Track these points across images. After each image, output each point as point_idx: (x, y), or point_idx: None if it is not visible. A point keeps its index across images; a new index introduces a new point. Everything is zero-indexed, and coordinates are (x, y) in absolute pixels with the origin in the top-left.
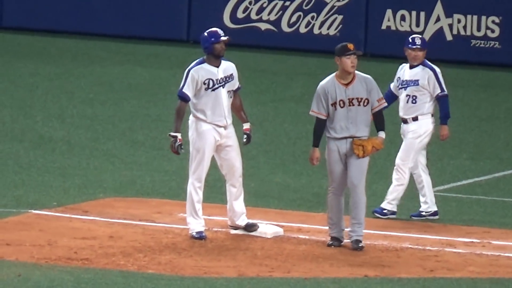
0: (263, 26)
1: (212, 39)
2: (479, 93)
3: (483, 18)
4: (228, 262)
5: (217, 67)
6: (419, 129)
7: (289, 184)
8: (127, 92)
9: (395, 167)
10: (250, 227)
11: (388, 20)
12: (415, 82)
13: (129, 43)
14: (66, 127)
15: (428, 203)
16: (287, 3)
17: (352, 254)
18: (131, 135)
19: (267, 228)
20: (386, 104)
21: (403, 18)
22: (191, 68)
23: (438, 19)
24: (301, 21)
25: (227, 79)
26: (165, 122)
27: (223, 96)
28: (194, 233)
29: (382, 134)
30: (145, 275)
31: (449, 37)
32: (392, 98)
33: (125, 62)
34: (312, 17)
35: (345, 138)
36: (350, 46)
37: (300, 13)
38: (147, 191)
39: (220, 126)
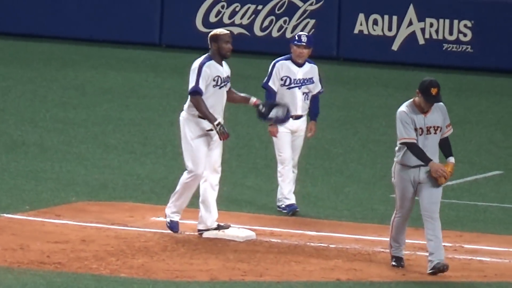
0: (236, 30)
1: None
2: (451, 97)
3: (455, 22)
4: (200, 266)
5: (222, 66)
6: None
7: (261, 187)
8: (100, 95)
9: (294, 167)
10: (221, 228)
11: (361, 24)
12: (310, 80)
13: (102, 47)
14: (39, 131)
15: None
16: (260, 7)
17: (325, 258)
18: (103, 138)
19: (240, 232)
20: (452, 130)
21: (375, 22)
22: (203, 63)
23: (410, 23)
24: (274, 25)
25: (228, 79)
26: (138, 126)
27: (224, 95)
28: (169, 222)
29: (452, 160)
30: (117, 279)
31: (421, 41)
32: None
33: (98, 66)
34: (285, 21)
35: (419, 166)
36: (434, 91)
37: (273, 17)
38: (119, 195)
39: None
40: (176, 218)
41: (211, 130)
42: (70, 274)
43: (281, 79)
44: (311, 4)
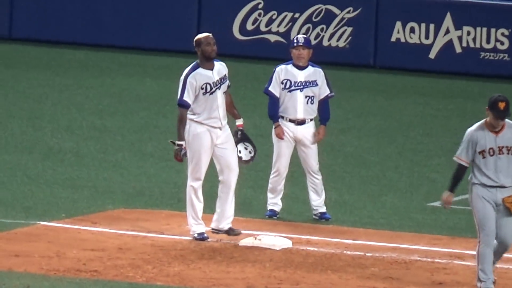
0: (273, 37)
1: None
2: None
3: (493, 30)
4: (236, 274)
5: (212, 70)
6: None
7: (298, 196)
8: (137, 103)
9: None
10: (232, 232)
11: (398, 32)
12: (313, 83)
13: (139, 55)
14: (75, 139)
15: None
16: (297, 15)
17: (361, 267)
18: (140, 146)
19: (276, 240)
20: None
21: (412, 30)
22: (188, 74)
23: (447, 31)
24: (311, 33)
25: (222, 80)
26: (174, 134)
27: (219, 98)
28: (195, 235)
29: None
30: (154, 287)
31: (458, 50)
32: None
33: (135, 74)
34: (322, 29)
35: (495, 187)
36: (501, 105)
37: (310, 25)
38: (156, 203)
39: (216, 127)
40: (201, 229)
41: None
42: (107, 282)
43: (282, 83)
44: (348, 12)
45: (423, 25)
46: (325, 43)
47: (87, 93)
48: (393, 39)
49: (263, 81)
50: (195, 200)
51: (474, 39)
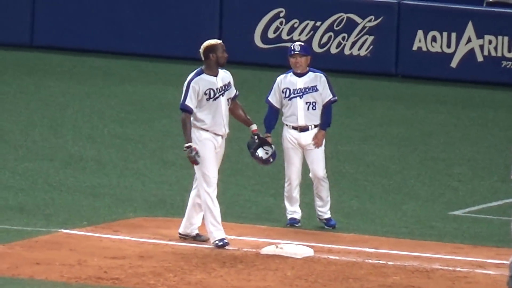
0: None
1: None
2: (510, 114)
3: None
4: (258, 282)
5: (216, 76)
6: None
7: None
8: (158, 111)
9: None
10: (198, 237)
11: (419, 41)
12: (313, 88)
13: (160, 63)
14: (97, 146)
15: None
16: (318, 23)
17: (383, 275)
18: (161, 154)
19: (298, 249)
20: None
21: (434, 39)
22: (191, 80)
23: (469, 40)
24: (332, 41)
25: (226, 87)
26: None
27: (223, 104)
28: (217, 241)
29: None
30: None
31: (480, 58)
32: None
33: (156, 82)
34: (343, 38)
35: None
36: None
37: (331, 33)
38: (177, 211)
39: (219, 135)
40: (221, 235)
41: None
42: None
43: (282, 92)
44: (370, 21)
45: (444, 34)
46: (347, 51)
47: (108, 101)
48: (414, 47)
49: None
50: (212, 205)
51: (495, 48)
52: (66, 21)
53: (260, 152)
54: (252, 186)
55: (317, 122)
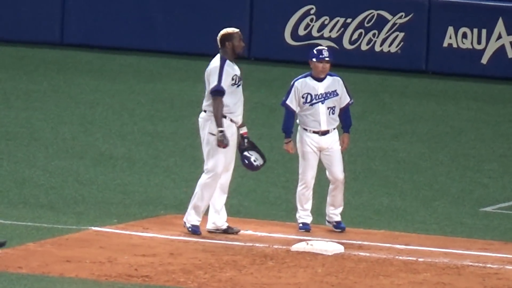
0: (325, 43)
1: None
2: None
3: None
4: (288, 279)
5: (235, 65)
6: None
7: (350, 201)
8: (188, 108)
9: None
10: (231, 230)
11: (450, 38)
12: (334, 93)
13: (190, 60)
14: (127, 144)
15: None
16: (349, 20)
17: (413, 272)
18: (192, 152)
19: (328, 245)
20: None
21: (464, 35)
22: (223, 64)
23: (499, 37)
24: (363, 38)
25: (241, 77)
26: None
27: (242, 94)
28: (190, 226)
29: None
30: None
31: (510, 55)
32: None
33: (186, 79)
34: (374, 34)
35: None
36: None
37: (362, 30)
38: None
39: (233, 122)
40: (196, 222)
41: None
42: (158, 287)
43: (302, 97)
44: (400, 18)
45: (475, 30)
46: (377, 48)
47: (138, 99)
48: (445, 44)
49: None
50: (206, 195)
51: None
52: (96, 19)
53: (247, 154)
54: (282, 183)
55: (336, 125)
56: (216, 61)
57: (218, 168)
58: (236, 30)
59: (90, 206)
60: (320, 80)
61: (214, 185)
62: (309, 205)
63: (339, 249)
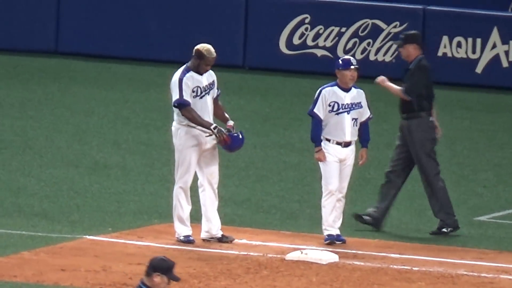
0: (319, 52)
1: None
2: None
3: None
4: (282, 287)
5: (201, 75)
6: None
7: (344, 210)
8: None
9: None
10: (225, 238)
11: (444, 47)
12: (359, 105)
13: None
14: (121, 153)
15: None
16: (343, 29)
17: (408, 281)
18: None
19: (323, 255)
20: None
21: (459, 44)
22: (182, 77)
23: (494, 46)
24: (357, 47)
25: (211, 86)
26: (221, 148)
27: (209, 102)
28: (181, 237)
29: None
30: None
31: (505, 64)
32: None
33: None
34: (368, 44)
35: None
36: None
37: (356, 39)
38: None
39: (206, 132)
40: (187, 232)
41: (210, 135)
42: None
43: (329, 105)
44: (395, 27)
45: (469, 40)
46: (372, 57)
47: (133, 107)
48: (439, 53)
49: (309, 95)
50: (184, 202)
51: None
52: (90, 28)
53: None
54: (276, 192)
55: (356, 137)
56: (177, 74)
57: (187, 177)
58: (213, 55)
59: (85, 215)
60: (347, 90)
61: (187, 192)
62: (334, 215)
63: (334, 258)
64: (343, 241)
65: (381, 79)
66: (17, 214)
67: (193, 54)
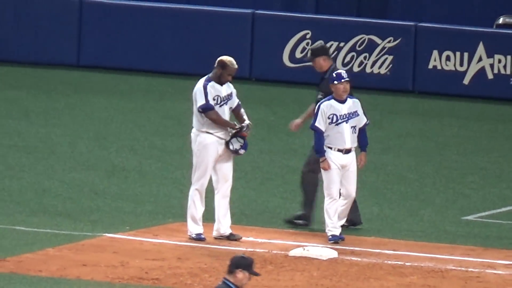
0: None
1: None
2: None
3: None
4: (286, 282)
5: (222, 86)
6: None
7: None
8: None
9: (353, 198)
10: (233, 236)
11: (435, 60)
12: (355, 113)
13: (195, 81)
14: (138, 158)
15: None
16: (342, 44)
17: (401, 275)
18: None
19: (323, 251)
20: None
21: (448, 58)
22: (206, 84)
23: (480, 59)
24: (354, 60)
25: (229, 97)
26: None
27: (226, 112)
28: (193, 235)
29: None
30: None
31: (490, 76)
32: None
33: (192, 98)
34: (365, 57)
35: None
36: None
37: (354, 53)
38: (212, 217)
39: (222, 139)
40: (198, 230)
41: (234, 133)
42: None
43: (328, 118)
44: (389, 42)
45: (457, 54)
46: (368, 70)
47: (148, 116)
48: (430, 66)
49: (309, 104)
50: (198, 203)
51: (504, 66)
52: (109, 43)
53: (235, 144)
54: (281, 194)
55: (356, 144)
56: (200, 82)
57: (203, 181)
58: (235, 66)
59: (104, 215)
60: (342, 102)
61: (202, 194)
62: (336, 218)
63: (333, 254)
64: (342, 239)
65: (294, 124)
66: (42, 214)
67: (216, 64)
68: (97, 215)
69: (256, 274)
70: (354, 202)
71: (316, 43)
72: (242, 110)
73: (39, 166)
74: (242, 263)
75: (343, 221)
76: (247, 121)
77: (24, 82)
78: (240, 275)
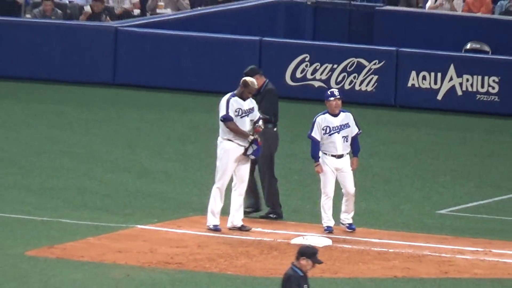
0: (316, 83)
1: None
2: (482, 135)
3: (486, 78)
4: (289, 265)
5: (244, 101)
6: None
7: (336, 206)
8: (211, 133)
9: (352, 194)
10: (244, 228)
11: (413, 79)
12: (347, 125)
13: (212, 96)
14: (164, 161)
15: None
16: (335, 66)
17: (385, 260)
18: (214, 167)
19: (320, 240)
20: None
21: (424, 77)
22: (230, 98)
23: (451, 79)
24: (346, 80)
25: (250, 111)
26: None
27: (247, 123)
28: (211, 226)
29: None
30: (225, 276)
31: (459, 93)
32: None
33: (209, 111)
34: (354, 77)
35: None
36: None
37: (345, 73)
38: (227, 211)
39: (242, 145)
40: (216, 222)
41: (250, 142)
42: (188, 272)
43: (323, 129)
44: (374, 64)
45: (432, 74)
46: (357, 87)
47: (173, 126)
48: (409, 84)
49: (309, 117)
50: (218, 199)
51: (472, 85)
52: (140, 65)
53: (249, 150)
54: (284, 191)
55: (348, 150)
56: (225, 97)
57: (224, 180)
58: (255, 86)
59: (136, 209)
60: (335, 115)
61: (222, 192)
62: (330, 212)
63: (328, 242)
64: (354, 230)
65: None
66: (84, 209)
67: (240, 83)
68: (130, 210)
69: (319, 262)
70: (256, 189)
71: (249, 67)
72: (260, 122)
73: (81, 168)
74: (307, 252)
75: (351, 214)
76: (260, 121)
77: (69, 98)
78: (304, 262)
